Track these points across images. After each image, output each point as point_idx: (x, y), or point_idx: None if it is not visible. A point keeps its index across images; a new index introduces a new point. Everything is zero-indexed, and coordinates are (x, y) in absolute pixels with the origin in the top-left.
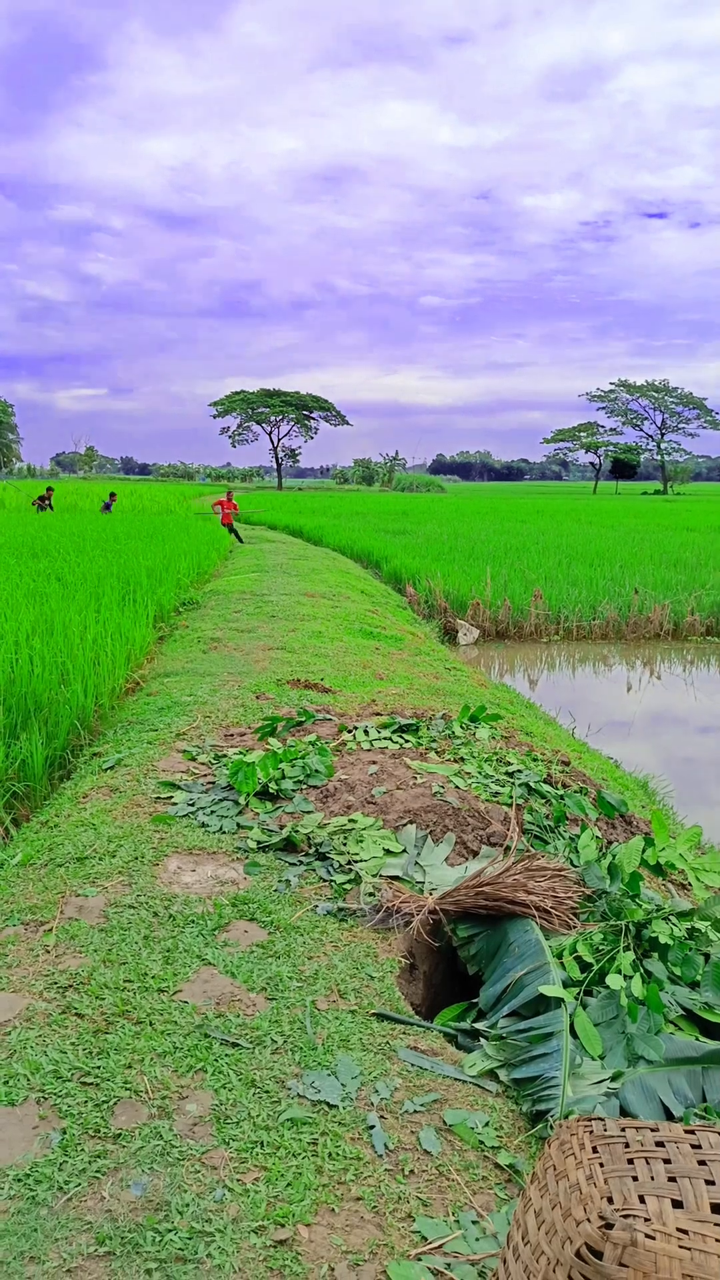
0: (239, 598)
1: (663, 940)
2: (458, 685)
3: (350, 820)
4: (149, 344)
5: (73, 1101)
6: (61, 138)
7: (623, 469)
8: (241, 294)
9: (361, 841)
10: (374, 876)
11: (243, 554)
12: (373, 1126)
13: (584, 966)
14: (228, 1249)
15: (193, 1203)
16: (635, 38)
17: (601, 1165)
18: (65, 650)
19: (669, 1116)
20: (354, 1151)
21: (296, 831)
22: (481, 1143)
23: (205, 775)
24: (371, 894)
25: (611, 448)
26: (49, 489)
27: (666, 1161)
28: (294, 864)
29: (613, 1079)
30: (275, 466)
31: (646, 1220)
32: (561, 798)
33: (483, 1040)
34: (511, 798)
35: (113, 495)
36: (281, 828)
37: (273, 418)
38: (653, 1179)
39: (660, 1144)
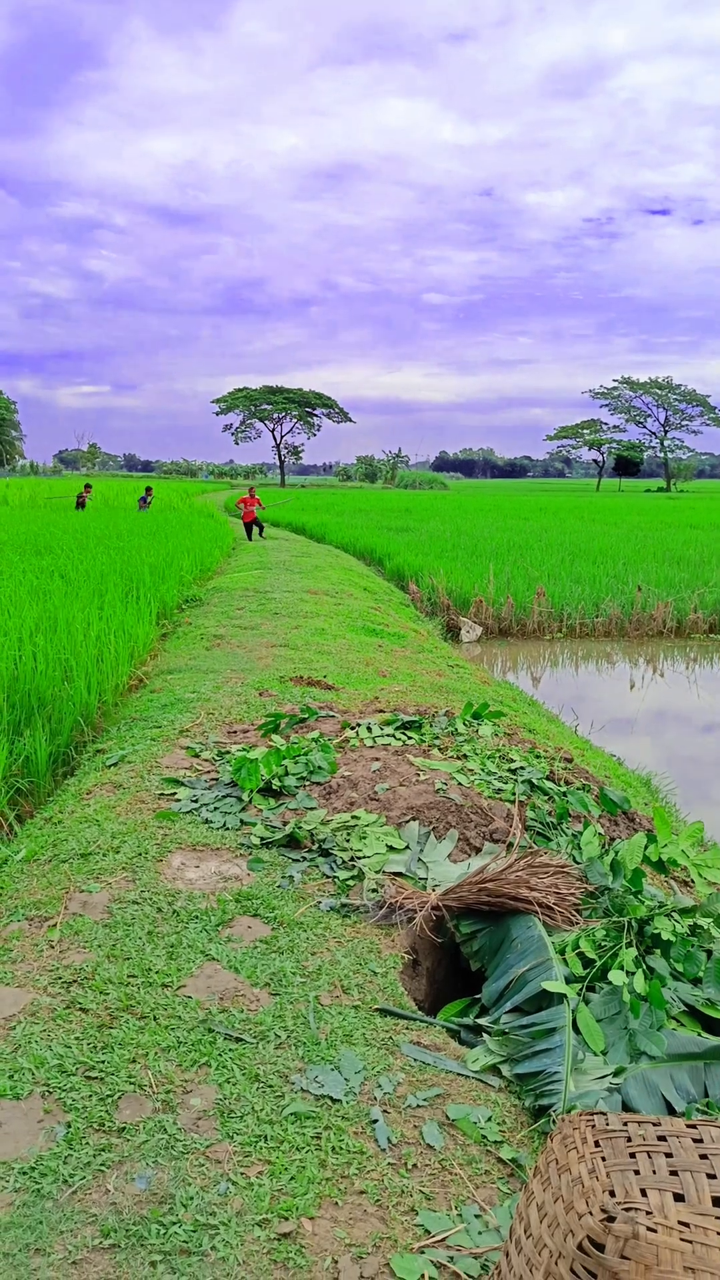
0: (242, 595)
1: (665, 936)
2: (460, 682)
3: (353, 817)
4: (152, 341)
5: (77, 1095)
6: (64, 135)
7: (626, 466)
8: (244, 291)
9: (364, 838)
10: (377, 873)
11: (246, 551)
12: (376, 1121)
13: (586, 963)
14: (232, 1242)
15: (197, 1196)
16: (637, 35)
17: (603, 1159)
18: (69, 647)
19: (671, 1111)
20: (357, 1145)
21: (300, 828)
22: (484, 1137)
23: (208, 772)
24: (374, 890)
25: (615, 445)
26: (87, 485)
27: (668, 1155)
28: (297, 860)
29: (615, 1074)
30: (278, 464)
31: (648, 1213)
32: (564, 795)
33: (485, 1036)
34: (514, 794)
35: (149, 490)
36: (285, 824)
37: (275, 415)
38: (654, 1173)
39: (662, 1138)
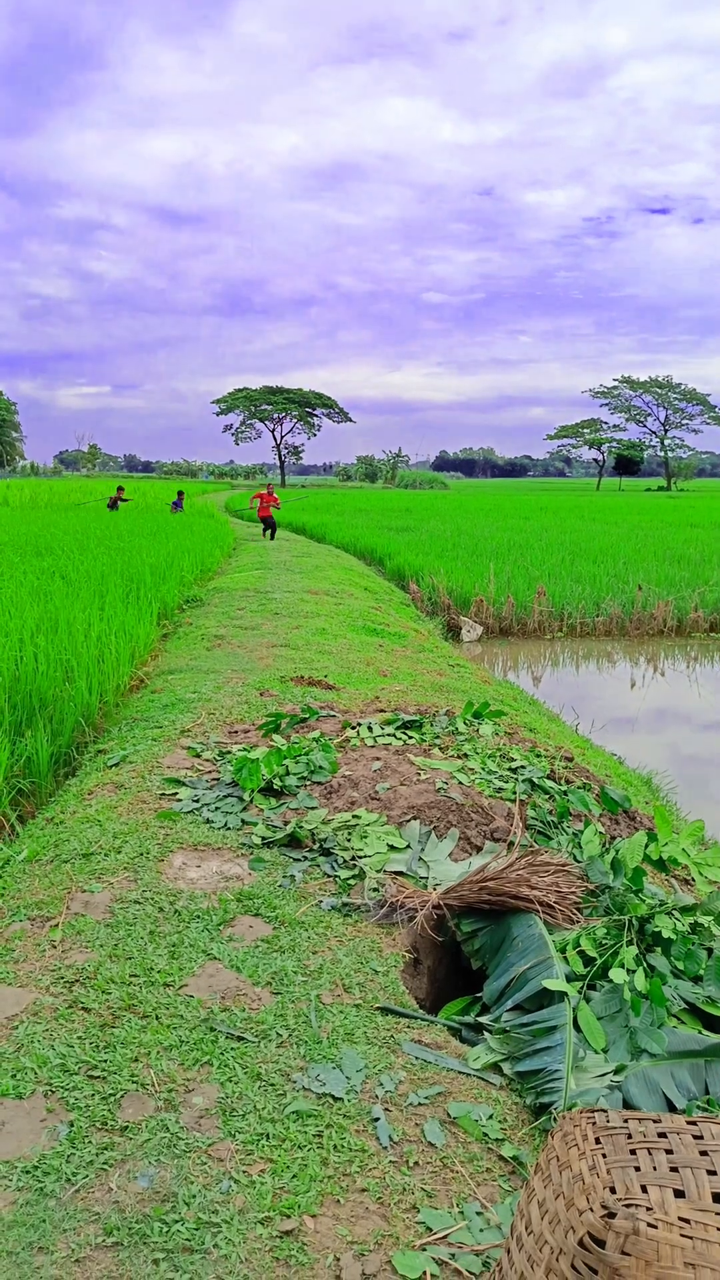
0: (242, 595)
1: (666, 935)
2: (461, 682)
3: (354, 816)
4: (152, 341)
5: (80, 1094)
6: (64, 136)
7: (626, 465)
8: (244, 291)
9: (365, 837)
10: (378, 872)
11: (246, 551)
12: (377, 1119)
13: (587, 961)
14: (234, 1239)
15: (199, 1194)
16: (637, 34)
17: (604, 1155)
18: (70, 648)
19: (672, 1109)
20: (359, 1143)
21: (301, 827)
22: (485, 1135)
23: (210, 772)
24: (376, 889)
25: (615, 444)
26: (120, 488)
27: (668, 1152)
28: (298, 860)
29: (616, 1072)
30: (278, 464)
31: (649, 1209)
32: (565, 793)
33: (486, 1034)
34: (515, 793)
35: (181, 494)
36: (286, 824)
37: (275, 415)
38: (655, 1169)
39: (662, 1135)
